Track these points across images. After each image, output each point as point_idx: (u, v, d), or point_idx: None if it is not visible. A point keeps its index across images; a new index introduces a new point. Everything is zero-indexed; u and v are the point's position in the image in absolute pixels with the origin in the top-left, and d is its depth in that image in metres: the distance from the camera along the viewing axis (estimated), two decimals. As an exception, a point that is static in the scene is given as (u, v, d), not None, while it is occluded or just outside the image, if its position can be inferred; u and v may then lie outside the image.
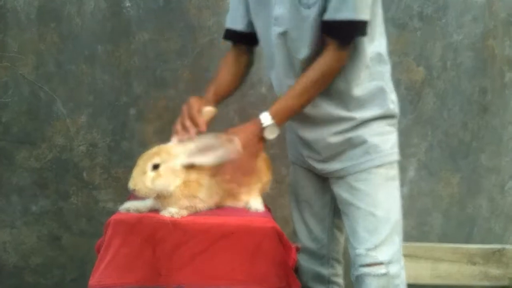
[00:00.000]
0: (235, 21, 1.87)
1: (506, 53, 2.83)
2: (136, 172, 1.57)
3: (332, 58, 1.61)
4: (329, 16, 1.58)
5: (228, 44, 1.94)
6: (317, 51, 1.64)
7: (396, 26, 2.71)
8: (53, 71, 2.58)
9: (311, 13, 1.61)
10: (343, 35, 1.60)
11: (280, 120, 1.64)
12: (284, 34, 1.68)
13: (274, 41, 1.72)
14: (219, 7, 2.57)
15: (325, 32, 1.61)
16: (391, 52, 2.64)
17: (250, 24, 1.86)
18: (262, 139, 1.64)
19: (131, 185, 1.56)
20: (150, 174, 1.57)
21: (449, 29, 2.76)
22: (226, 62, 1.91)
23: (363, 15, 1.58)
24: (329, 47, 1.61)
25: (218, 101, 1.84)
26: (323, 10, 1.59)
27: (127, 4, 2.55)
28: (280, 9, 1.67)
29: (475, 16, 2.76)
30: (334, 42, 1.60)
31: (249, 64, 1.95)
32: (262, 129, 1.62)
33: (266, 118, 1.62)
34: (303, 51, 1.66)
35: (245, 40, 1.89)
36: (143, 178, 1.56)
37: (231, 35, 1.91)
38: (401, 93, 2.72)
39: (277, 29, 1.70)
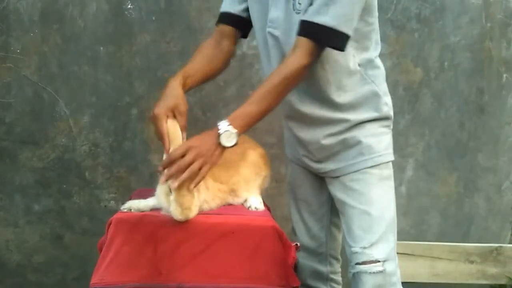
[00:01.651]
0: (228, 4, 1.85)
1: (503, 54, 2.84)
2: (186, 200, 1.54)
3: (297, 62, 1.56)
4: (307, 17, 1.56)
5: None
6: None
7: (394, 28, 2.72)
8: (56, 72, 2.59)
9: (299, 19, 1.60)
10: (316, 38, 1.55)
11: (240, 127, 1.56)
12: (278, 37, 1.70)
13: (269, 42, 1.73)
14: (219, 9, 2.57)
15: (300, 32, 1.57)
16: (389, 54, 2.69)
17: (246, 11, 1.83)
18: (219, 146, 1.55)
19: (185, 215, 1.56)
20: (196, 195, 1.58)
21: (446, 31, 2.77)
22: (202, 47, 1.84)
23: (343, 27, 1.53)
24: (296, 50, 1.57)
25: (189, 88, 1.75)
26: None
27: (129, 6, 2.56)
28: (275, 12, 1.68)
29: (472, 18, 2.77)
30: (304, 44, 1.56)
31: (232, 49, 1.87)
32: (218, 135, 1.54)
33: (223, 125, 1.55)
34: None
35: (236, 23, 1.85)
36: (195, 202, 1.57)
37: (221, 17, 1.87)
38: (399, 94, 2.74)
39: (271, 31, 1.71)
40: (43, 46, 2.57)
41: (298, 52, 1.57)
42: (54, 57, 2.58)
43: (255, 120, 1.60)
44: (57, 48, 2.57)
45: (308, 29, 1.56)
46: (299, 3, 1.61)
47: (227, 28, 1.86)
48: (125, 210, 1.67)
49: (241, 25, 1.86)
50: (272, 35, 1.71)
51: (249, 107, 1.58)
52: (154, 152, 2.69)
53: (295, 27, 1.60)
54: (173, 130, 1.60)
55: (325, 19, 1.52)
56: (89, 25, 2.57)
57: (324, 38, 1.55)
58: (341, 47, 1.57)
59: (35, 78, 2.58)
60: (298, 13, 1.61)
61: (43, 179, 2.67)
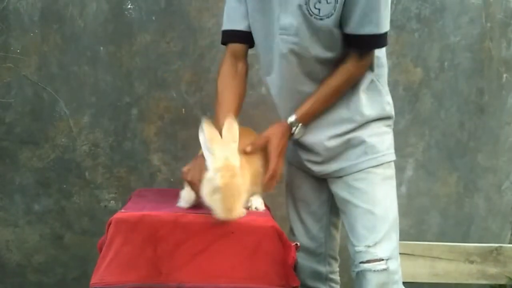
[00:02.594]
0: (236, 21, 1.82)
1: (503, 54, 2.84)
2: (230, 201, 1.56)
3: (354, 67, 1.68)
4: (352, 30, 1.61)
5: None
6: (337, 54, 1.69)
7: (394, 28, 2.72)
8: (56, 72, 2.59)
9: (326, 24, 1.61)
10: (366, 47, 1.66)
11: (306, 123, 1.76)
12: (294, 43, 1.68)
13: (282, 49, 1.71)
14: (219, 9, 2.56)
15: (348, 44, 1.65)
16: (389, 54, 2.68)
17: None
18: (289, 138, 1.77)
19: (230, 215, 1.57)
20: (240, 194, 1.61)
21: (446, 31, 2.77)
22: (225, 78, 1.83)
23: (385, 28, 1.62)
24: (351, 57, 1.67)
25: None
26: (338, 20, 1.61)
27: (129, 6, 2.56)
28: (287, 19, 1.66)
29: (472, 18, 2.78)
30: (356, 54, 1.66)
31: (247, 68, 1.89)
32: (291, 131, 1.75)
33: (293, 121, 1.74)
34: (317, 57, 1.68)
35: (246, 39, 1.83)
36: (240, 201, 1.60)
37: (230, 36, 1.85)
38: (399, 94, 2.75)
39: (286, 38, 1.69)
40: (43, 46, 2.57)
41: (352, 60, 1.67)
42: (54, 57, 2.58)
43: (316, 117, 1.77)
44: (57, 48, 2.58)
45: (357, 41, 1.64)
46: (316, 8, 1.61)
47: (239, 47, 1.85)
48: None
49: (250, 38, 1.85)
50: (287, 42, 1.70)
51: (317, 106, 1.74)
52: (154, 152, 2.70)
53: (320, 32, 1.64)
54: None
55: (370, 28, 1.60)
56: (89, 25, 2.57)
57: (373, 44, 1.65)
58: (386, 44, 1.68)
59: (35, 78, 2.58)
60: (322, 19, 1.61)
61: (43, 179, 2.67)
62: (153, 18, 2.59)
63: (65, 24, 2.56)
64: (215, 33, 2.61)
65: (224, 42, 1.87)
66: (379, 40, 1.63)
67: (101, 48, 2.59)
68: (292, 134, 1.76)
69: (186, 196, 1.74)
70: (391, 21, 2.66)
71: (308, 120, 1.76)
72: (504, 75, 2.86)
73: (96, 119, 2.65)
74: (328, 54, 1.69)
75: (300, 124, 1.75)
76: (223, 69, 1.84)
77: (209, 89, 2.65)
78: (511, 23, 2.83)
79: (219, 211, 1.55)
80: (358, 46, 1.65)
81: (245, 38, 1.83)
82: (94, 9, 2.56)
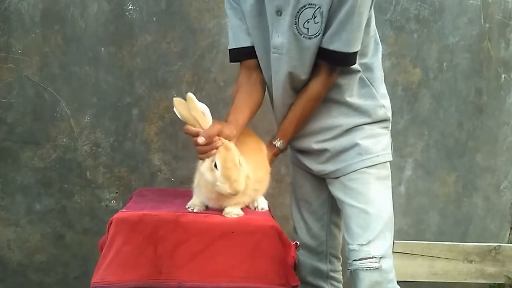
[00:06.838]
0: (241, 39, 1.84)
1: (501, 55, 2.85)
2: (232, 173, 1.54)
3: (322, 83, 1.73)
4: (323, 44, 1.66)
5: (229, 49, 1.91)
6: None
7: (393, 29, 2.73)
8: (57, 73, 2.59)
9: (314, 43, 1.66)
10: (333, 62, 1.69)
11: (287, 141, 1.85)
12: (285, 61, 1.72)
13: (274, 66, 1.76)
14: (220, 9, 2.58)
15: (319, 57, 1.69)
16: (388, 54, 2.70)
17: None
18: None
19: (234, 188, 1.55)
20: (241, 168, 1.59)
21: (445, 31, 2.78)
22: (239, 85, 1.86)
23: (353, 48, 1.66)
24: (321, 72, 1.71)
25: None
26: None
27: (130, 7, 2.57)
28: (279, 39, 1.71)
29: (471, 18, 2.79)
30: (325, 67, 1.70)
31: (263, 80, 1.89)
32: (279, 150, 1.86)
33: (278, 142, 1.84)
34: (305, 74, 1.73)
35: (255, 55, 1.85)
36: (242, 174, 1.57)
37: (238, 54, 1.87)
38: (398, 94, 2.76)
39: (277, 57, 1.73)
40: (44, 46, 2.57)
41: (321, 75, 1.73)
42: (55, 57, 2.59)
43: (295, 133, 1.86)
44: (58, 48, 2.58)
45: (326, 55, 1.68)
46: (305, 28, 1.65)
47: (249, 62, 1.87)
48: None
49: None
50: (279, 60, 1.74)
51: (294, 123, 1.82)
52: (155, 152, 2.71)
53: (308, 51, 1.68)
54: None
55: (339, 46, 1.65)
56: (90, 25, 2.58)
57: (339, 61, 1.69)
58: (353, 63, 1.71)
59: (37, 79, 2.59)
60: (310, 38, 1.66)
61: (45, 178, 2.68)
62: (154, 19, 2.60)
63: (66, 24, 2.57)
64: (216, 33, 2.62)
65: (234, 60, 1.89)
66: (345, 58, 1.67)
67: (102, 48, 2.60)
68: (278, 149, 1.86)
69: (195, 201, 1.75)
70: (390, 22, 2.72)
71: (289, 138, 1.85)
72: (503, 76, 2.87)
73: (97, 119, 2.65)
74: (311, 75, 1.74)
75: (282, 142, 1.84)
76: (238, 80, 1.88)
77: (209, 89, 2.66)
78: (509, 23, 2.84)
79: (223, 186, 1.55)
80: (326, 60, 1.69)
81: (253, 53, 1.85)
82: (95, 10, 2.57)
